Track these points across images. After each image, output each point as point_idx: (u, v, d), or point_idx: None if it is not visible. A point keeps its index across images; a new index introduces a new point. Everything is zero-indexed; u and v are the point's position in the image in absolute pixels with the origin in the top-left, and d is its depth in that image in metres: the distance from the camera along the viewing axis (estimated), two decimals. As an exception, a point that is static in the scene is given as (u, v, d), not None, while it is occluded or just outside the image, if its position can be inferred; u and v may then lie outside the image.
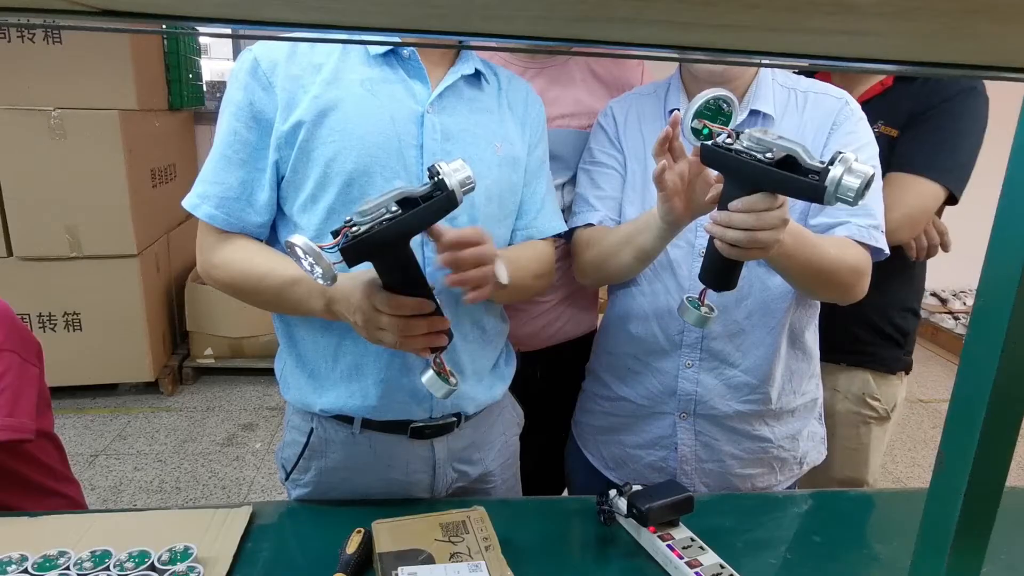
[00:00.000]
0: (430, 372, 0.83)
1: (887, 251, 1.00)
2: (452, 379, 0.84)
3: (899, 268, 1.34)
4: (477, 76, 0.98)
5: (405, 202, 0.74)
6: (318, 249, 0.71)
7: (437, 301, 0.82)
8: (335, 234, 0.74)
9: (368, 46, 0.92)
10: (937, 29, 0.25)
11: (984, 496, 0.54)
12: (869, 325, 1.38)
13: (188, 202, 0.94)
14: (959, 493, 0.54)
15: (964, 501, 0.54)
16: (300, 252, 0.71)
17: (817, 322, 1.13)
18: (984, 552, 0.56)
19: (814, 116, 1.02)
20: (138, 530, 0.91)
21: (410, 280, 0.79)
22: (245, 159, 0.92)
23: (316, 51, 0.92)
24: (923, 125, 1.26)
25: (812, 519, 1.03)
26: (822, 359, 1.39)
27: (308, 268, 0.72)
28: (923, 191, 1.25)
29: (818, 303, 1.11)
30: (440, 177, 0.74)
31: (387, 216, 0.73)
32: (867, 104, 1.30)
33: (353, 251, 0.73)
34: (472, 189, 0.76)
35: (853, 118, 1.02)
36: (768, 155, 0.74)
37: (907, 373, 1.42)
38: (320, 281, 0.72)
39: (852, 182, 0.68)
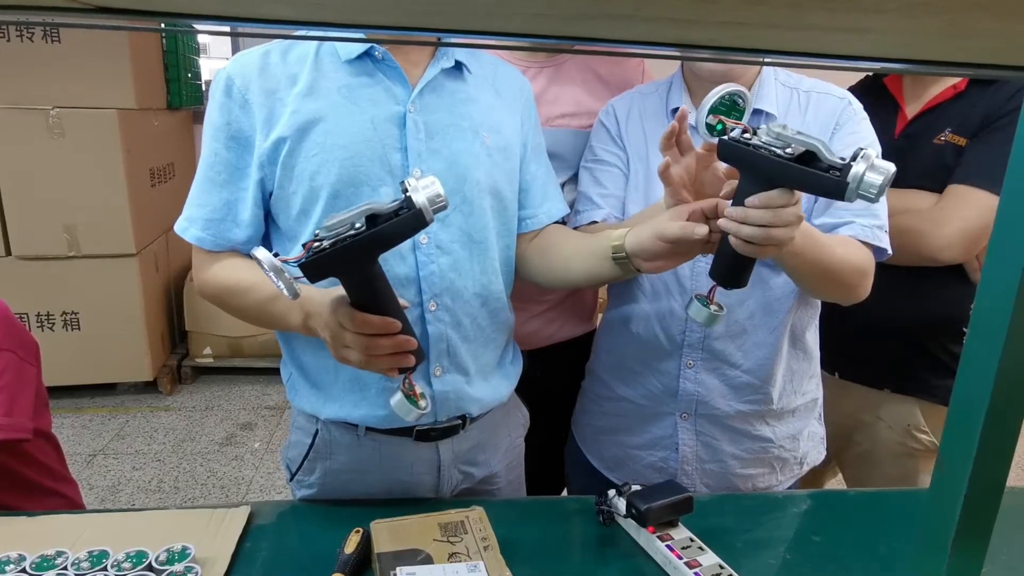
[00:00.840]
0: (398, 394, 0.81)
1: (890, 251, 1.00)
2: (422, 402, 0.82)
3: (957, 290, 1.22)
4: (458, 67, 0.97)
5: (373, 218, 0.72)
6: (279, 264, 0.70)
7: (407, 320, 0.80)
8: (305, 247, 0.73)
9: (340, 52, 0.92)
10: (941, 26, 0.25)
11: (985, 496, 0.54)
12: (920, 350, 1.26)
13: (178, 226, 0.95)
14: (960, 493, 0.54)
15: (965, 501, 0.53)
16: (265, 267, 0.70)
17: (817, 322, 1.13)
18: (985, 552, 0.56)
19: (817, 116, 1.02)
20: (136, 530, 0.91)
21: (377, 298, 0.77)
22: (228, 179, 0.92)
23: (288, 62, 0.91)
24: (997, 134, 1.13)
25: (812, 519, 1.02)
26: (864, 384, 1.32)
27: (274, 281, 0.71)
28: (986, 206, 1.12)
29: (819, 303, 1.10)
30: (408, 194, 0.73)
31: (350, 233, 0.71)
32: (936, 109, 1.22)
33: (313, 267, 0.71)
34: (444, 207, 0.73)
35: (856, 118, 1.02)
36: (788, 151, 0.73)
37: None
38: (285, 295, 0.71)
39: (875, 179, 0.68)
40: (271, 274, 0.70)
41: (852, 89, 1.32)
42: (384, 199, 0.89)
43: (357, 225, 0.71)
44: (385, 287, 0.78)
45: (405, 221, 0.72)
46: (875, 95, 1.25)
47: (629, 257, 0.88)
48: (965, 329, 1.24)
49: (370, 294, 0.77)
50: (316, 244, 0.72)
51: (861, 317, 1.06)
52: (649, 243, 0.84)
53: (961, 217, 1.15)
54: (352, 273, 0.75)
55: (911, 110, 1.27)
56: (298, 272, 0.71)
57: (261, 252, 0.70)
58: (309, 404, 0.99)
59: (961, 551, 0.55)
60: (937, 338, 1.26)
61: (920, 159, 1.21)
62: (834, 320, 1.15)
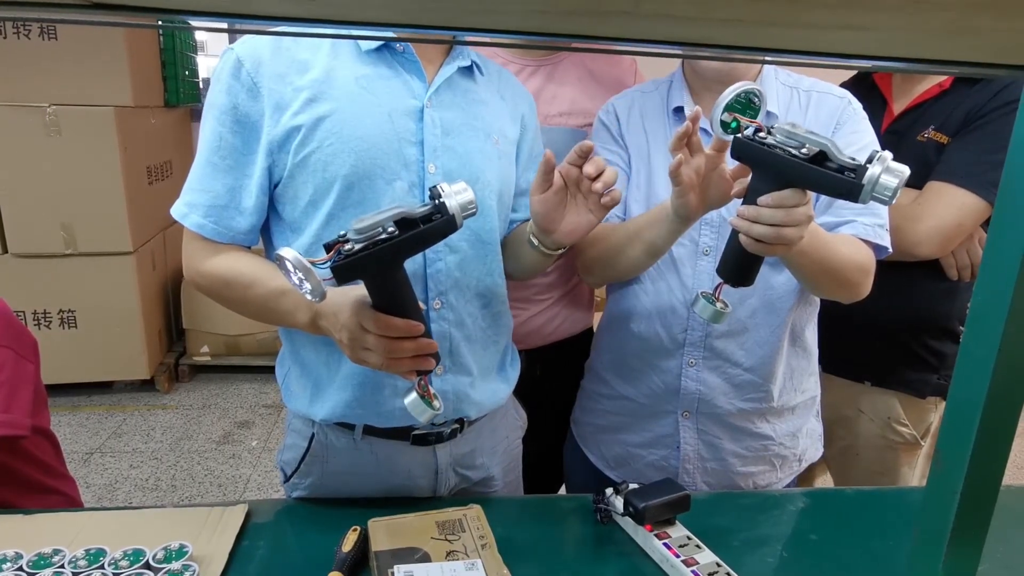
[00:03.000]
0: (413, 395, 0.81)
1: (891, 249, 1.00)
2: (436, 402, 0.82)
3: (936, 287, 1.25)
4: (470, 68, 0.97)
5: (403, 222, 0.72)
6: (308, 265, 0.69)
7: (427, 323, 0.80)
8: (328, 248, 0.72)
9: (360, 42, 0.90)
10: (941, 24, 0.25)
11: (981, 494, 0.54)
12: (899, 344, 1.28)
13: (176, 211, 0.91)
14: (956, 491, 0.54)
15: (961, 499, 0.54)
16: (290, 267, 0.69)
17: (816, 320, 1.13)
18: (981, 550, 0.56)
19: (818, 115, 1.02)
20: (133, 528, 0.91)
21: (401, 301, 0.77)
22: (232, 165, 0.89)
23: (301, 46, 0.89)
24: (976, 132, 1.15)
25: (809, 517, 1.03)
26: (846, 377, 1.34)
27: (297, 283, 0.70)
28: (961, 204, 1.14)
29: (818, 301, 1.11)
30: (441, 200, 0.73)
31: (383, 236, 0.71)
32: (921, 107, 1.23)
33: (345, 270, 0.71)
34: (474, 213, 0.74)
35: (856, 117, 1.02)
36: (803, 150, 0.73)
37: (944, 399, 1.28)
38: (308, 297, 0.70)
39: (890, 181, 0.68)
40: (297, 274, 0.69)
41: (843, 85, 1.32)
42: (399, 193, 0.89)
43: (390, 229, 0.71)
44: (408, 290, 0.78)
45: (437, 227, 0.73)
46: (864, 91, 1.26)
47: (536, 232, 0.92)
48: (948, 326, 1.27)
49: (394, 297, 0.77)
50: (347, 246, 0.71)
51: (841, 311, 1.08)
52: (533, 204, 0.89)
53: (936, 214, 1.16)
54: (379, 276, 0.75)
55: (898, 107, 1.27)
56: (327, 274, 0.71)
57: (288, 252, 0.69)
58: (304, 406, 0.98)
59: (957, 549, 0.55)
60: (914, 333, 1.28)
61: (904, 156, 1.22)
62: (818, 314, 1.15)
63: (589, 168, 0.84)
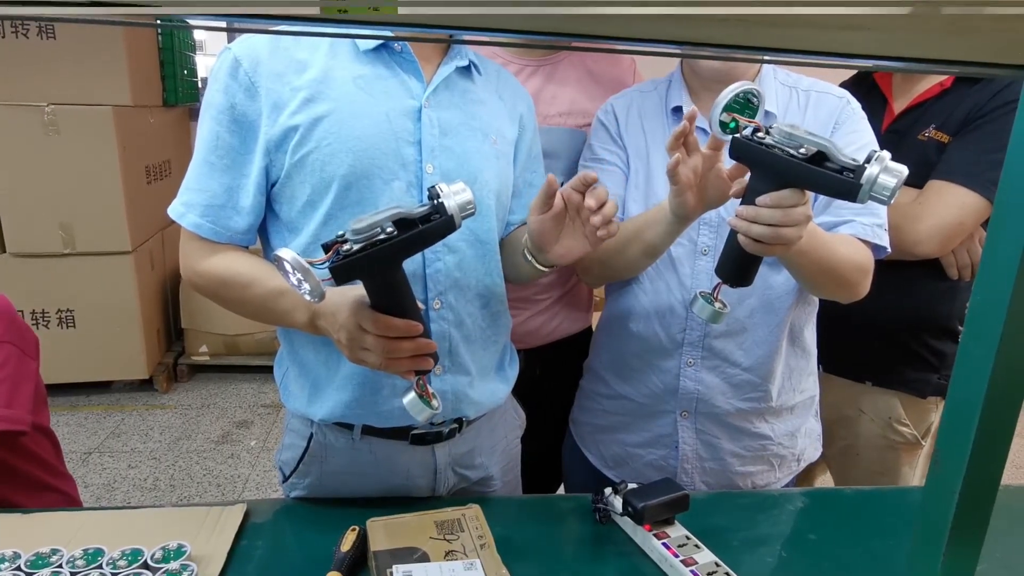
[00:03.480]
0: (412, 394, 0.81)
1: (890, 249, 1.00)
2: (434, 402, 0.82)
3: (937, 286, 1.25)
4: (468, 68, 0.97)
5: (402, 223, 0.72)
6: (307, 265, 0.69)
7: (427, 323, 0.80)
8: (326, 248, 0.72)
9: (358, 41, 0.90)
10: (941, 25, 0.25)
11: (979, 494, 0.54)
12: (899, 344, 1.28)
13: (173, 211, 0.91)
14: (955, 491, 0.54)
15: (960, 499, 0.54)
16: (288, 267, 0.69)
17: (815, 320, 1.13)
18: (979, 549, 0.56)
19: (816, 115, 1.03)
20: (131, 528, 0.91)
21: (400, 301, 0.78)
22: (229, 164, 0.89)
23: (300, 45, 0.89)
24: (977, 131, 1.16)
25: (808, 517, 1.03)
26: (846, 377, 1.35)
27: (295, 283, 0.70)
28: (962, 203, 1.15)
29: (817, 301, 1.11)
30: (440, 200, 0.73)
31: (381, 237, 0.71)
32: (922, 106, 1.23)
33: (343, 270, 0.71)
34: (472, 213, 0.74)
35: (855, 117, 1.02)
36: (801, 151, 0.74)
37: (944, 398, 1.27)
38: (307, 298, 0.70)
39: (888, 181, 0.68)
40: (296, 274, 0.69)
41: (843, 84, 1.32)
42: (397, 193, 0.89)
43: (388, 229, 0.71)
44: (407, 290, 0.78)
45: (436, 227, 0.73)
46: (865, 91, 1.26)
47: (531, 248, 0.92)
48: (949, 325, 1.27)
49: (393, 297, 0.77)
50: (345, 247, 0.71)
51: (841, 311, 1.08)
52: (531, 223, 0.89)
53: (937, 213, 1.16)
54: (378, 276, 0.75)
55: (898, 106, 1.27)
56: (325, 274, 0.71)
57: (287, 252, 0.69)
58: (303, 406, 0.98)
59: (956, 548, 0.55)
60: (914, 332, 1.28)
61: (905, 155, 1.22)
62: (818, 314, 1.15)
63: (590, 200, 0.84)
